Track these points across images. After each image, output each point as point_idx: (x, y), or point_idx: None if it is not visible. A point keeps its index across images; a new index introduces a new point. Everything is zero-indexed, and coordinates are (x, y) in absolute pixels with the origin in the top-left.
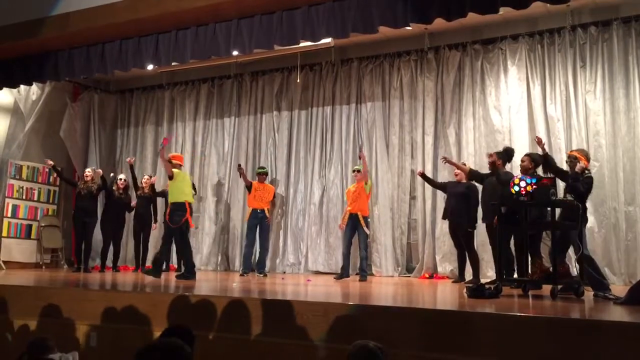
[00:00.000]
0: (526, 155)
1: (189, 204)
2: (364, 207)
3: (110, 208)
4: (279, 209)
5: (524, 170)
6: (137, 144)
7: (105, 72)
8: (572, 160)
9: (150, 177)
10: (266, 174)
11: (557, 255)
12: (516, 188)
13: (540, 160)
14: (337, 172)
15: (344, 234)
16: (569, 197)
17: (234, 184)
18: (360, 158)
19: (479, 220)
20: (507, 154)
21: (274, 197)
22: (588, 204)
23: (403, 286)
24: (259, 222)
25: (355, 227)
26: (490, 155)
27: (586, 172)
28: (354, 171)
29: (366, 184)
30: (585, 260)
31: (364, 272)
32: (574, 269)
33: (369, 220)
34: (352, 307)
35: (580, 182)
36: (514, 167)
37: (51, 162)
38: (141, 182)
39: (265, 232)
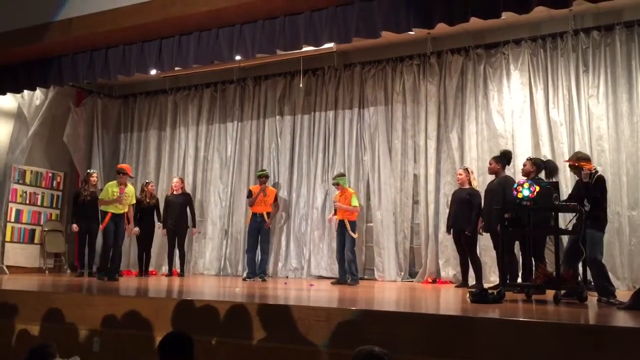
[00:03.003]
0: (528, 159)
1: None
2: (349, 214)
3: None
4: (282, 212)
5: (526, 174)
6: (140, 148)
7: (108, 77)
8: (576, 170)
9: (152, 184)
10: (267, 176)
11: (569, 261)
12: (523, 193)
13: (542, 164)
14: None
15: (337, 241)
16: (586, 205)
17: (237, 189)
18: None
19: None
20: (505, 157)
21: (276, 199)
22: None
23: (406, 291)
24: (258, 227)
25: (344, 232)
26: (490, 164)
27: (593, 173)
28: (334, 184)
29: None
30: (595, 264)
31: (354, 276)
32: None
33: (355, 224)
34: (355, 312)
35: (595, 189)
36: (517, 170)
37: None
38: (141, 189)
39: (265, 237)
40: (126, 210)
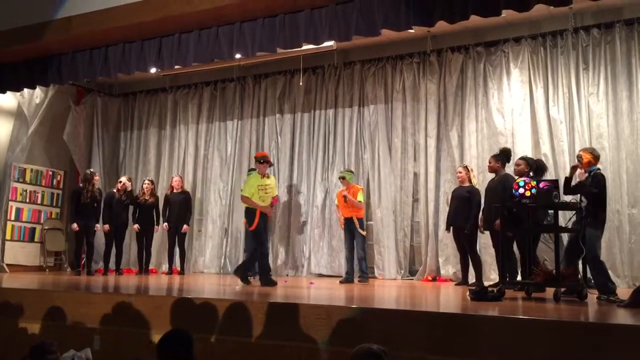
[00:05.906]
0: (521, 158)
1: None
2: (356, 210)
3: (112, 210)
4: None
5: (520, 174)
6: (140, 147)
7: (108, 76)
8: (578, 160)
9: (152, 182)
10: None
11: (569, 259)
12: (521, 190)
13: (534, 164)
14: None
15: (344, 238)
16: (583, 201)
17: (237, 187)
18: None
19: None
20: (505, 156)
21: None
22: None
23: (406, 289)
24: None
25: (352, 230)
26: (489, 162)
27: (595, 170)
28: (340, 178)
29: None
30: (595, 263)
31: (364, 274)
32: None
33: (363, 221)
34: (355, 310)
35: (591, 185)
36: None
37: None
38: (141, 187)
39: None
40: (269, 203)
